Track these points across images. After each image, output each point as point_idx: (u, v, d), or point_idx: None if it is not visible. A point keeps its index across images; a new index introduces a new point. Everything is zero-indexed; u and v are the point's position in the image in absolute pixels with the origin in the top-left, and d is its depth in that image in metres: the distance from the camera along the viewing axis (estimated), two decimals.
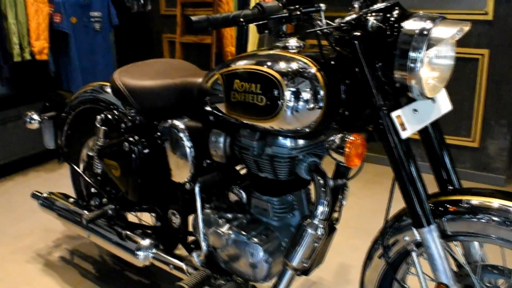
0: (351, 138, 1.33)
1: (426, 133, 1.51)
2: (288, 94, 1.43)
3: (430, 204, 1.39)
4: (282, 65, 1.46)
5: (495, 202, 1.33)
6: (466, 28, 1.35)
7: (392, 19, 1.34)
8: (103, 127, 2.09)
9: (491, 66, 3.16)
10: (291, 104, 1.43)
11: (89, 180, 2.29)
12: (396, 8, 1.37)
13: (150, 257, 2.01)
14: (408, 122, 1.33)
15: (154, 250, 2.01)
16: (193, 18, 1.25)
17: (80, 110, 2.35)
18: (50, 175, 3.67)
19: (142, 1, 4.24)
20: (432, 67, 1.34)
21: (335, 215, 1.78)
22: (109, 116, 2.07)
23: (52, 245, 2.74)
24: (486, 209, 1.33)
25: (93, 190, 2.34)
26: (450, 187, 1.52)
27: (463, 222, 1.37)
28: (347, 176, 1.66)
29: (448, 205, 1.40)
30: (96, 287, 2.37)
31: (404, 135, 1.31)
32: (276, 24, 1.35)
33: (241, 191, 1.77)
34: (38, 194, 2.53)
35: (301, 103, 1.43)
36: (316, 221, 1.53)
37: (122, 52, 4.52)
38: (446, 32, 1.28)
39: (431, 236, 1.36)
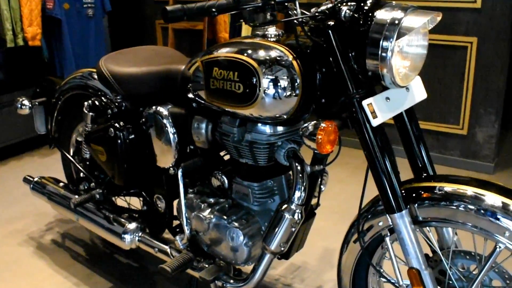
0: (323, 125, 1.37)
1: (401, 121, 1.55)
2: (264, 82, 1.46)
3: (402, 191, 1.43)
4: (259, 53, 1.49)
5: (469, 190, 1.36)
6: (438, 17, 1.38)
7: (365, 8, 1.36)
8: (90, 113, 2.12)
9: (479, 54, 3.18)
10: (267, 91, 1.47)
11: (78, 165, 2.34)
12: None
13: (136, 241, 2.06)
14: (380, 110, 1.36)
15: (140, 234, 2.06)
16: (168, 8, 1.27)
17: (69, 96, 2.38)
18: (43, 159, 3.71)
19: None
20: (403, 56, 1.37)
21: (314, 200, 1.82)
22: (96, 102, 2.10)
23: (44, 229, 2.80)
24: (458, 196, 1.37)
25: (82, 174, 2.38)
26: (425, 174, 1.56)
27: (434, 208, 1.41)
28: (325, 163, 1.69)
29: (420, 191, 1.44)
30: (86, 270, 2.42)
31: (375, 122, 1.34)
32: (251, 14, 1.37)
33: (223, 176, 1.81)
34: (30, 178, 2.57)
35: (277, 91, 1.46)
36: (293, 206, 1.58)
37: (116, 38, 4.54)
38: (417, 22, 1.31)
39: (403, 221, 1.40)
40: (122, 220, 2.11)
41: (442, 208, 1.39)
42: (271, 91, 1.47)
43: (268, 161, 1.68)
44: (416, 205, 1.43)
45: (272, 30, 1.59)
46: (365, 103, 1.34)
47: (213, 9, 1.29)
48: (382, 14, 1.33)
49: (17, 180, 2.80)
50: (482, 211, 1.32)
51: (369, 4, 1.37)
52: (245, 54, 1.50)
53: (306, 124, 1.42)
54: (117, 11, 4.23)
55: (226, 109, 1.61)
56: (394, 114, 1.43)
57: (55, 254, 2.56)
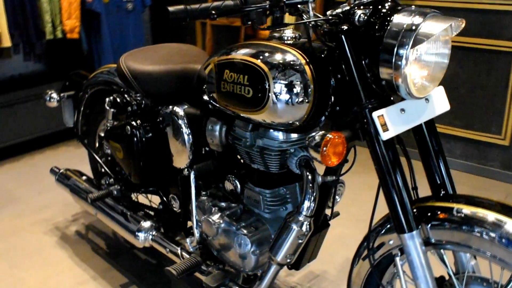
0: (329, 136, 1.29)
1: (420, 133, 1.45)
2: (275, 87, 1.40)
3: (414, 209, 1.34)
4: (270, 57, 1.43)
5: (490, 215, 1.25)
6: (461, 24, 1.27)
7: (382, 12, 1.28)
8: (111, 109, 2.12)
9: None
10: (278, 97, 1.41)
11: (99, 160, 2.34)
12: (388, 1, 1.30)
13: (149, 239, 2.04)
14: (392, 122, 1.27)
15: (154, 233, 2.05)
16: (170, 8, 1.23)
17: (95, 91, 2.40)
18: (78, 151, 3.75)
19: None
20: (421, 65, 1.28)
21: (328, 211, 1.75)
22: (118, 99, 2.10)
23: (70, 219, 2.84)
24: (476, 221, 1.26)
25: (104, 170, 2.39)
26: (443, 192, 1.46)
27: (448, 231, 1.31)
28: (339, 173, 1.62)
29: (435, 211, 1.35)
30: (105, 263, 2.43)
31: (385, 136, 1.26)
32: (260, 16, 1.31)
33: (236, 181, 1.76)
34: (56, 169, 2.61)
35: (288, 97, 1.40)
36: (301, 218, 1.51)
37: (158, 32, 4.57)
38: (436, 28, 1.21)
39: (413, 242, 1.31)
40: (138, 217, 2.10)
41: (456, 232, 1.29)
42: (282, 96, 1.40)
43: (280, 168, 1.62)
44: (429, 226, 1.33)
45: (288, 32, 1.53)
46: (375, 114, 1.26)
47: (213, 12, 1.23)
48: (399, 19, 1.24)
49: (49, 165, 2.82)
50: (499, 239, 1.21)
51: (386, 8, 1.29)
52: (256, 57, 1.45)
53: (313, 134, 1.35)
54: (159, 5, 4.24)
55: (237, 113, 1.56)
56: (409, 127, 1.33)
57: (77, 245, 2.59)
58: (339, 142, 1.30)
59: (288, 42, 1.50)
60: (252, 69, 1.44)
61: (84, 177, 2.48)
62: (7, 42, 3.29)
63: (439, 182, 1.46)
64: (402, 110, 1.31)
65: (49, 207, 2.95)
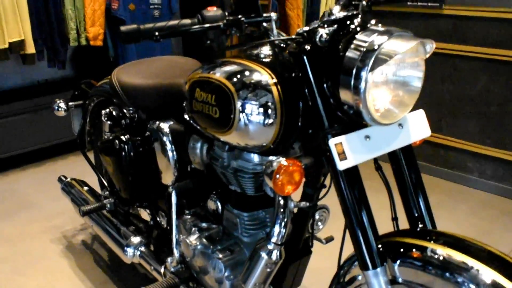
0: (284, 163, 1.21)
1: (397, 162, 1.34)
2: (240, 108, 1.33)
3: (382, 245, 1.23)
4: (238, 76, 1.35)
5: (466, 260, 1.12)
6: (432, 45, 1.17)
7: (346, 32, 1.19)
8: (108, 122, 2.10)
9: None
10: (243, 118, 1.33)
11: (97, 172, 2.34)
12: (357, 19, 1.21)
13: (137, 255, 2.01)
14: (353, 150, 1.17)
15: (142, 249, 2.01)
16: (122, 28, 1.19)
17: (100, 101, 2.39)
18: None
19: None
20: (385, 88, 1.17)
21: (307, 237, 1.66)
22: (113, 112, 2.08)
23: (79, 228, 2.86)
24: (449, 266, 1.13)
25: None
26: (421, 226, 1.34)
27: (417, 272, 1.19)
28: (316, 199, 1.52)
29: (407, 249, 1.23)
30: (104, 276, 2.42)
31: (341, 165, 1.16)
32: (218, 35, 1.24)
33: (217, 202, 1.70)
34: (63, 178, 2.64)
35: (254, 118, 1.32)
36: (270, 245, 1.42)
37: (187, 39, 4.57)
38: (400, 48, 1.11)
39: (377, 280, 1.21)
40: (129, 232, 2.08)
41: (426, 275, 1.17)
42: (248, 117, 1.33)
43: (257, 191, 1.55)
44: (398, 263, 1.22)
45: (266, 49, 1.45)
46: (332, 142, 1.16)
47: (156, 33, 1.17)
48: (361, 38, 1.15)
49: (68, 174, 2.83)
50: (466, 286, 1.09)
51: (352, 27, 1.19)
52: (224, 76, 1.38)
53: (270, 159, 1.27)
54: (189, 13, 4.24)
55: (209, 133, 1.50)
56: (375, 155, 1.23)
57: (80, 255, 2.60)
58: (294, 170, 1.21)
59: (265, 60, 1.42)
60: (220, 89, 1.37)
61: (86, 188, 2.48)
62: (31, 49, 3.36)
63: (416, 215, 1.34)
64: (367, 137, 1.21)
65: (61, 214, 2.98)
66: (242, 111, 1.33)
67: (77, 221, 2.91)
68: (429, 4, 3.01)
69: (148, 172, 1.94)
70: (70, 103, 2.56)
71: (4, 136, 3.55)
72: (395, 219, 1.41)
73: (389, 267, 1.23)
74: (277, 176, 1.20)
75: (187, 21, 1.23)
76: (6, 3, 3.20)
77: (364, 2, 1.47)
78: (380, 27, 1.18)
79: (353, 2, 1.47)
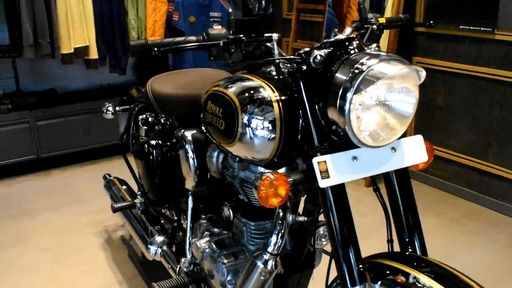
0: (270, 177, 1.26)
1: (390, 186, 1.36)
2: (243, 121, 1.40)
3: (362, 264, 1.25)
4: (244, 91, 1.43)
5: None
6: (423, 72, 1.19)
7: (339, 54, 1.23)
8: (143, 127, 2.25)
9: None
10: (245, 131, 1.41)
11: (133, 174, 2.48)
12: (353, 42, 1.25)
13: (159, 253, 2.12)
14: (337, 170, 1.21)
15: (164, 248, 2.13)
16: (132, 42, 1.30)
17: (141, 107, 2.55)
18: None
19: (263, 4, 4.34)
20: (376, 112, 1.20)
21: (310, 251, 1.69)
22: (149, 118, 2.22)
23: (120, 224, 3.03)
24: None
25: None
26: (411, 250, 1.35)
27: None
28: (317, 213, 1.56)
29: (390, 272, 1.24)
30: (134, 270, 2.57)
31: (322, 183, 1.20)
32: (221, 52, 1.33)
33: (229, 210, 1.78)
34: (107, 176, 2.82)
35: (255, 132, 1.40)
36: (265, 255, 1.48)
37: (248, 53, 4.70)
38: (387, 71, 1.14)
39: None
40: (154, 231, 2.20)
41: None
42: (249, 131, 1.40)
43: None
44: (378, 285, 1.24)
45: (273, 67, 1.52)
46: (315, 160, 1.21)
47: (155, 48, 1.27)
48: (351, 61, 1.19)
49: (120, 174, 3.01)
50: None
51: (346, 49, 1.24)
52: (230, 90, 1.46)
53: (261, 172, 1.33)
54: (249, 25, 4.36)
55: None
56: (361, 177, 1.25)
57: (116, 249, 2.76)
58: (278, 184, 1.26)
59: (270, 78, 1.49)
60: (226, 102, 1.46)
61: (124, 187, 2.64)
62: (94, 54, 3.62)
63: (407, 240, 1.35)
64: (355, 158, 1.24)
65: (107, 210, 3.16)
66: (245, 125, 1.40)
67: (119, 217, 3.09)
68: (481, 28, 2.94)
69: (173, 176, 2.05)
70: (118, 108, 2.73)
71: (65, 134, 3.83)
72: (390, 241, 1.42)
73: (369, 287, 1.25)
74: (262, 188, 1.26)
75: (192, 38, 1.33)
76: (74, 11, 3.47)
77: (375, 26, 1.53)
78: (373, 51, 1.22)
79: (365, 26, 1.53)
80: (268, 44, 1.39)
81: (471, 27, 3.00)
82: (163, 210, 2.41)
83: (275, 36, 1.36)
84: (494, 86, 2.98)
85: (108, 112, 2.69)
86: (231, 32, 1.34)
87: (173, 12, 3.87)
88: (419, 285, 1.15)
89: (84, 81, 4.17)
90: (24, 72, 3.96)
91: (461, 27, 3.06)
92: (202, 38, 1.33)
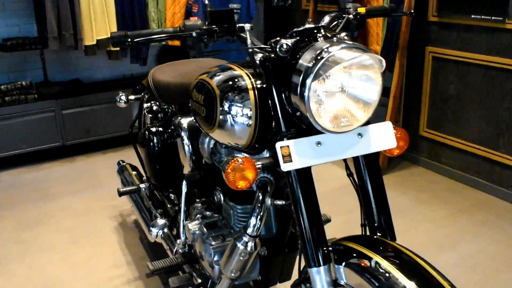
0: (238, 160, 1.33)
1: (359, 171, 1.40)
2: (222, 108, 1.47)
3: (326, 246, 1.30)
4: (223, 79, 1.50)
5: (408, 286, 1.12)
6: (383, 60, 1.23)
7: (305, 42, 1.28)
8: (149, 115, 2.35)
9: None
10: (223, 118, 1.47)
11: (141, 160, 2.59)
12: (321, 31, 1.30)
13: (160, 235, 2.23)
14: (300, 154, 1.27)
15: (165, 230, 2.23)
16: (112, 33, 1.39)
17: (149, 97, 2.65)
18: None
19: None
20: (338, 98, 1.24)
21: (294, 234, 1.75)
22: (154, 106, 2.32)
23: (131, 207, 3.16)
24: (386, 283, 1.15)
25: None
26: (379, 235, 1.39)
27: (357, 279, 1.24)
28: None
29: (355, 255, 1.28)
30: (143, 252, 2.69)
31: (284, 167, 1.26)
32: (196, 42, 1.40)
33: (220, 194, 1.86)
34: (121, 162, 2.95)
35: (232, 119, 1.46)
36: (245, 237, 1.55)
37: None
38: (347, 56, 1.18)
39: (319, 278, 1.29)
40: (157, 214, 2.30)
41: (361, 280, 1.22)
42: (227, 117, 1.47)
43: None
44: (342, 266, 1.29)
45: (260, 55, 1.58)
46: (278, 144, 1.27)
47: (129, 39, 1.35)
48: (313, 48, 1.24)
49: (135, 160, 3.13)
50: None
51: (312, 38, 1.29)
52: (212, 78, 1.54)
53: (231, 156, 1.39)
54: (269, 18, 4.43)
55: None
56: (323, 161, 1.30)
57: (128, 232, 2.89)
58: (245, 167, 1.32)
59: (249, 66, 1.53)
60: (207, 90, 1.53)
61: (134, 172, 2.76)
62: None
63: (376, 225, 1.39)
64: (319, 143, 1.29)
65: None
66: (223, 112, 1.47)
67: None
68: (492, 17, 2.90)
69: (172, 162, 2.15)
70: (130, 97, 2.85)
71: (89, 122, 3.99)
72: (363, 225, 1.46)
73: (333, 269, 1.30)
74: (229, 171, 1.32)
75: (169, 29, 1.40)
76: (97, 4, 3.61)
77: (351, 16, 1.57)
78: (336, 39, 1.26)
79: (343, 15, 1.57)
80: (242, 34, 1.45)
81: (482, 16, 2.96)
82: (167, 194, 2.52)
83: (247, 26, 1.42)
84: (505, 75, 2.94)
85: (121, 101, 2.80)
86: (206, 23, 1.41)
87: (192, 4, 3.95)
88: (381, 270, 1.18)
89: (108, 72, 4.33)
90: (52, 63, 4.15)
91: (472, 16, 3.03)
92: (179, 29, 1.40)
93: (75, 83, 4.12)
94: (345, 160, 1.43)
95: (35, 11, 3.84)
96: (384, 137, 1.37)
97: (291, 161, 1.27)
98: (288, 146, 1.27)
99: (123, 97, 2.80)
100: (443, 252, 2.60)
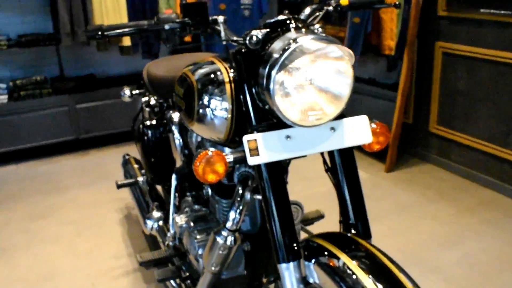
0: (208, 154, 1.33)
1: (334, 167, 1.38)
2: (199, 101, 1.48)
3: (297, 242, 1.29)
4: (202, 73, 1.51)
5: (365, 279, 1.11)
6: (352, 53, 1.21)
7: (275, 34, 1.27)
8: (147, 108, 2.38)
9: None
10: (201, 111, 1.48)
11: (140, 153, 2.62)
12: (291, 22, 1.28)
13: (155, 228, 2.25)
14: (268, 148, 1.26)
15: (160, 223, 2.25)
16: (88, 26, 1.40)
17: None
18: None
19: None
20: (306, 91, 1.22)
21: None
22: (152, 100, 2.34)
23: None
24: (350, 281, 1.13)
25: None
26: (353, 232, 1.37)
27: (324, 277, 1.23)
28: None
29: (321, 253, 1.25)
30: (144, 244, 2.71)
31: (251, 161, 1.25)
32: (170, 35, 1.40)
33: (208, 188, 1.87)
34: (126, 156, 2.99)
35: (210, 112, 1.47)
36: (224, 232, 1.56)
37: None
38: (312, 46, 1.16)
39: (289, 274, 1.27)
40: (153, 207, 2.33)
41: (328, 279, 1.20)
42: (206, 111, 1.47)
43: (230, 180, 1.68)
44: (311, 264, 1.27)
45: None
46: (245, 138, 1.26)
47: (99, 32, 1.36)
48: (281, 40, 1.22)
49: None
50: None
51: (283, 29, 1.27)
52: (192, 71, 1.54)
53: (202, 149, 1.40)
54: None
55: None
56: (292, 156, 1.29)
57: (132, 225, 2.93)
58: (215, 160, 1.32)
59: (227, 59, 1.53)
60: (187, 84, 1.54)
61: (136, 166, 2.79)
62: (127, 41, 3.80)
63: (351, 222, 1.37)
64: (288, 137, 1.28)
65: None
66: (201, 105, 1.48)
67: None
68: (502, 12, 2.83)
69: (165, 156, 2.16)
70: (134, 91, 2.88)
71: (102, 117, 4.05)
72: (342, 222, 1.44)
73: (302, 266, 1.28)
74: (197, 164, 1.32)
75: (144, 22, 1.41)
76: (108, 1, 3.66)
77: (330, 8, 1.55)
78: (305, 31, 1.24)
79: (323, 7, 1.55)
80: (216, 27, 1.44)
81: (492, 10, 2.89)
82: (166, 188, 2.54)
83: (220, 18, 1.41)
84: None
85: (125, 95, 2.84)
86: (181, 16, 1.42)
87: None
88: (348, 271, 1.15)
89: (122, 67, 4.39)
90: (68, 58, 4.23)
91: (482, 10, 2.95)
92: (154, 22, 1.41)
93: (89, 78, 4.19)
94: (322, 155, 1.42)
95: (51, 8, 3.92)
96: (359, 132, 1.35)
97: (258, 154, 1.26)
98: (255, 139, 1.26)
99: (127, 92, 2.82)
100: (446, 250, 2.55)
